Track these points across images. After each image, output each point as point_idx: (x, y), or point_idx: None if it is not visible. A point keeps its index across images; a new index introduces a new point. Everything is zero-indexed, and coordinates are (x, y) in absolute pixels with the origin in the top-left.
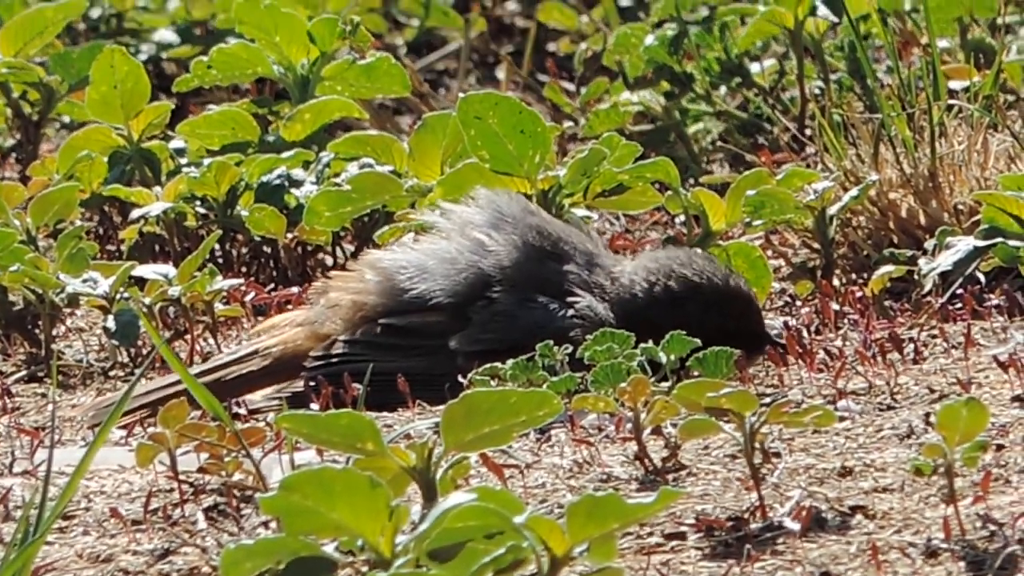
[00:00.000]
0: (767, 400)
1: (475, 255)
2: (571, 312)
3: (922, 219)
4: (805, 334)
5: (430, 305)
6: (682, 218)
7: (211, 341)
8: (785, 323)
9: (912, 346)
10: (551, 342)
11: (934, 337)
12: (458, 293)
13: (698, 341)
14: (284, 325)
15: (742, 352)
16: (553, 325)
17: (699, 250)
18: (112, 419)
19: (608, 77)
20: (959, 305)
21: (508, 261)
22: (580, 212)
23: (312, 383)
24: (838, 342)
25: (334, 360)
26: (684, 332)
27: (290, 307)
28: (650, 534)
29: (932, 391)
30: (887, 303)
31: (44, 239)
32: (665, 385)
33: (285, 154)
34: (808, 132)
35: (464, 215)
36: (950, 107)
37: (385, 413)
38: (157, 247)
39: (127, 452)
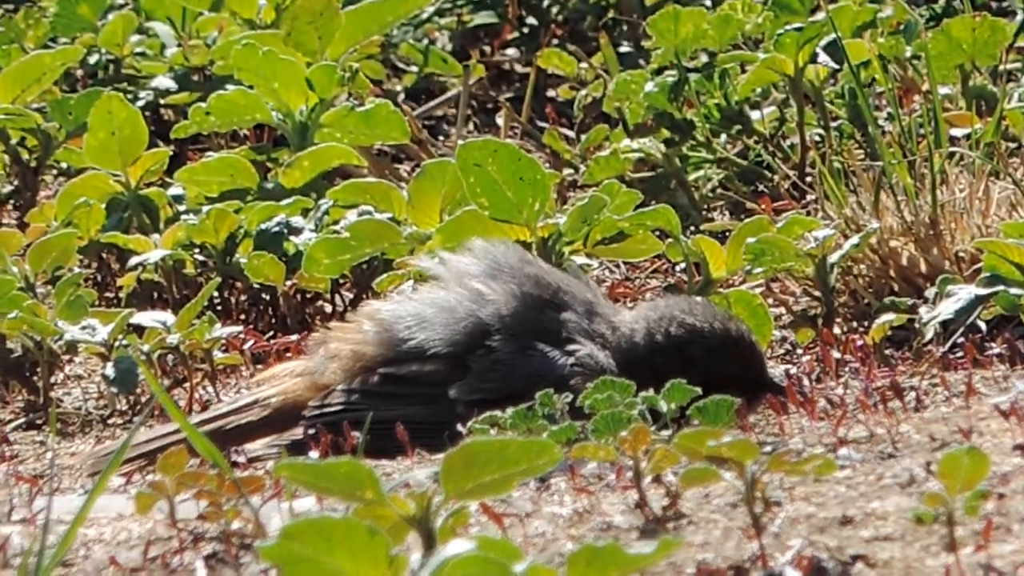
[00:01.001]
0: (768, 449)
1: (474, 304)
2: (571, 360)
3: (923, 267)
4: (806, 382)
5: (429, 354)
6: (683, 266)
7: (210, 389)
8: (786, 371)
9: (913, 394)
10: (551, 391)
11: (935, 385)
12: (457, 343)
13: (698, 390)
14: (284, 375)
15: (745, 398)
16: (553, 374)
17: (699, 297)
18: (111, 467)
19: (608, 124)
20: (960, 354)
21: (507, 310)
22: (580, 260)
23: (311, 431)
24: (839, 390)
25: (333, 409)
26: (687, 378)
27: (289, 355)
28: None
29: (933, 439)
30: (888, 351)
31: (42, 286)
32: (666, 434)
33: (284, 201)
34: (809, 179)
35: (460, 265)
36: (951, 154)
37: (384, 461)
38: (155, 294)
39: (126, 500)
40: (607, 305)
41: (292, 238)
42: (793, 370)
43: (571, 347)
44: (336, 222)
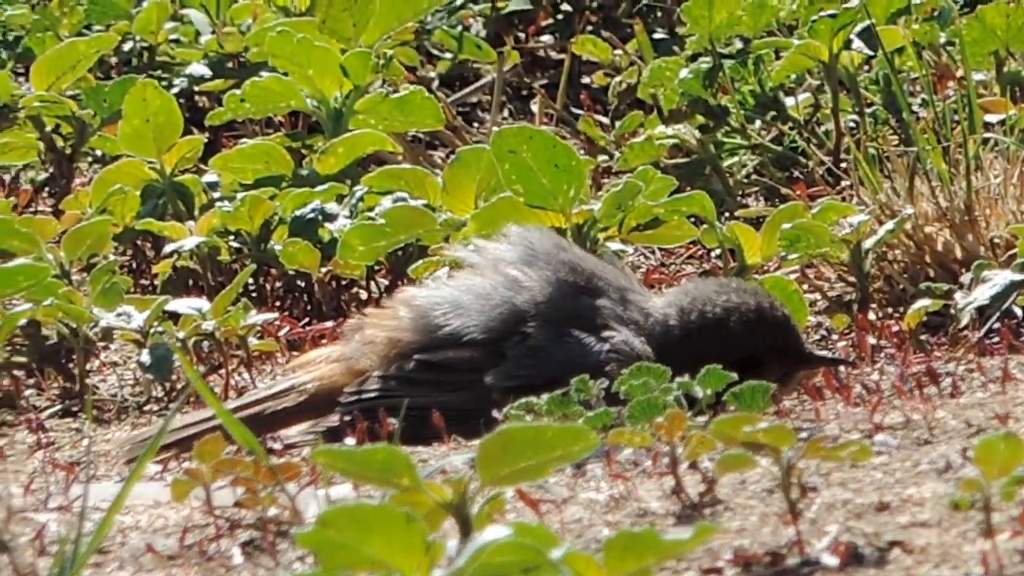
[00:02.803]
0: (804, 435)
1: (509, 291)
2: (607, 347)
3: (958, 253)
4: (841, 368)
5: (465, 341)
6: (718, 252)
7: (245, 375)
8: None
9: (949, 380)
10: (587, 376)
11: (971, 371)
12: (493, 329)
13: (735, 375)
14: (320, 361)
15: (784, 374)
16: (588, 360)
17: (726, 278)
18: (147, 454)
19: (643, 110)
20: (996, 339)
21: (542, 297)
22: (615, 246)
23: (347, 418)
24: (875, 376)
25: (369, 395)
26: (723, 359)
27: (324, 342)
28: (687, 569)
29: (969, 425)
30: (924, 337)
31: (77, 273)
32: (702, 420)
33: (319, 188)
34: (843, 166)
35: (496, 252)
36: (986, 140)
37: (420, 448)
38: (191, 281)
39: (162, 487)
40: (640, 291)
41: (327, 225)
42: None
43: (606, 333)
44: (371, 209)
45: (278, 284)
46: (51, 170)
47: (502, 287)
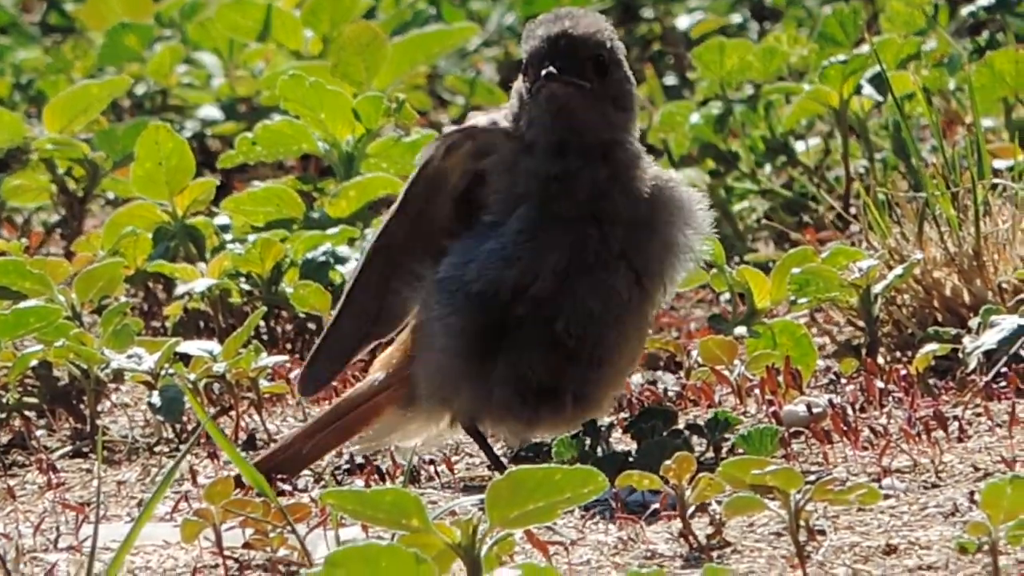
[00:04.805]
0: (812, 478)
1: None
2: None
3: (966, 297)
4: (850, 412)
5: None
6: (727, 296)
7: (256, 418)
8: (830, 401)
9: (957, 424)
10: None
11: (979, 415)
12: None
13: (743, 419)
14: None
15: None
16: None
17: None
18: (157, 494)
19: (653, 155)
20: (1003, 383)
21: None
22: None
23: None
24: (883, 420)
25: None
26: None
27: (334, 384)
28: None
29: (977, 469)
30: (932, 381)
31: (89, 315)
32: (710, 462)
33: (330, 231)
34: (853, 210)
35: None
36: (994, 186)
37: (430, 489)
38: (202, 323)
39: (173, 528)
40: None
41: (338, 267)
42: (837, 399)
43: None
44: None
45: (289, 326)
46: (63, 212)
47: None
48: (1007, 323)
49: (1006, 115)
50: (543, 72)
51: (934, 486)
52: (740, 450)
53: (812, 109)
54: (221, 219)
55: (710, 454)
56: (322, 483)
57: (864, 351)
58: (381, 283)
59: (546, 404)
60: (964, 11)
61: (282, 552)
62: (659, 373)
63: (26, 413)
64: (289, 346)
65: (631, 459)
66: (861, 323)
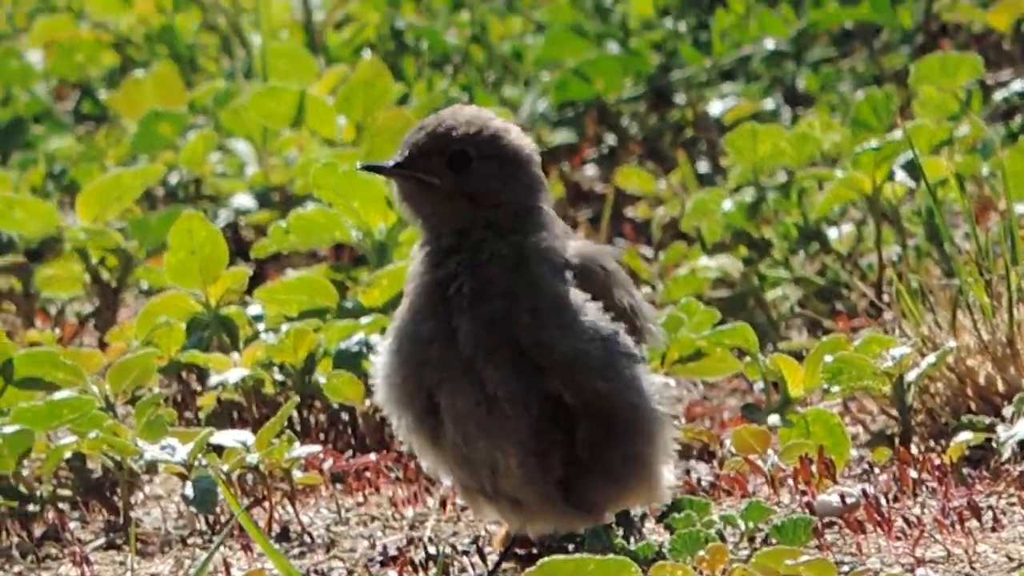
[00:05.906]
0: (845, 568)
1: None
2: None
3: (1000, 386)
4: (883, 502)
5: None
6: (760, 384)
7: (289, 509)
8: (863, 490)
9: (991, 514)
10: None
11: (1013, 505)
12: None
13: (775, 509)
14: None
15: None
16: None
17: None
18: None
19: (686, 242)
20: None
21: None
22: (658, 379)
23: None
24: (916, 510)
25: None
26: None
27: (368, 475)
28: None
29: (1011, 559)
30: (965, 470)
31: (122, 406)
32: (744, 553)
33: (363, 320)
34: (886, 298)
35: None
36: None
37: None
38: (235, 414)
39: None
40: None
41: (371, 357)
42: (871, 489)
43: None
44: None
45: (322, 417)
46: (96, 302)
47: None
48: None
49: None
50: (390, 163)
51: None
52: (774, 540)
53: (845, 196)
54: (254, 308)
55: (744, 545)
56: (355, 575)
57: (897, 440)
58: None
59: None
60: (997, 96)
61: None
62: (692, 463)
63: (60, 505)
64: (322, 436)
65: (664, 550)
66: (894, 412)
